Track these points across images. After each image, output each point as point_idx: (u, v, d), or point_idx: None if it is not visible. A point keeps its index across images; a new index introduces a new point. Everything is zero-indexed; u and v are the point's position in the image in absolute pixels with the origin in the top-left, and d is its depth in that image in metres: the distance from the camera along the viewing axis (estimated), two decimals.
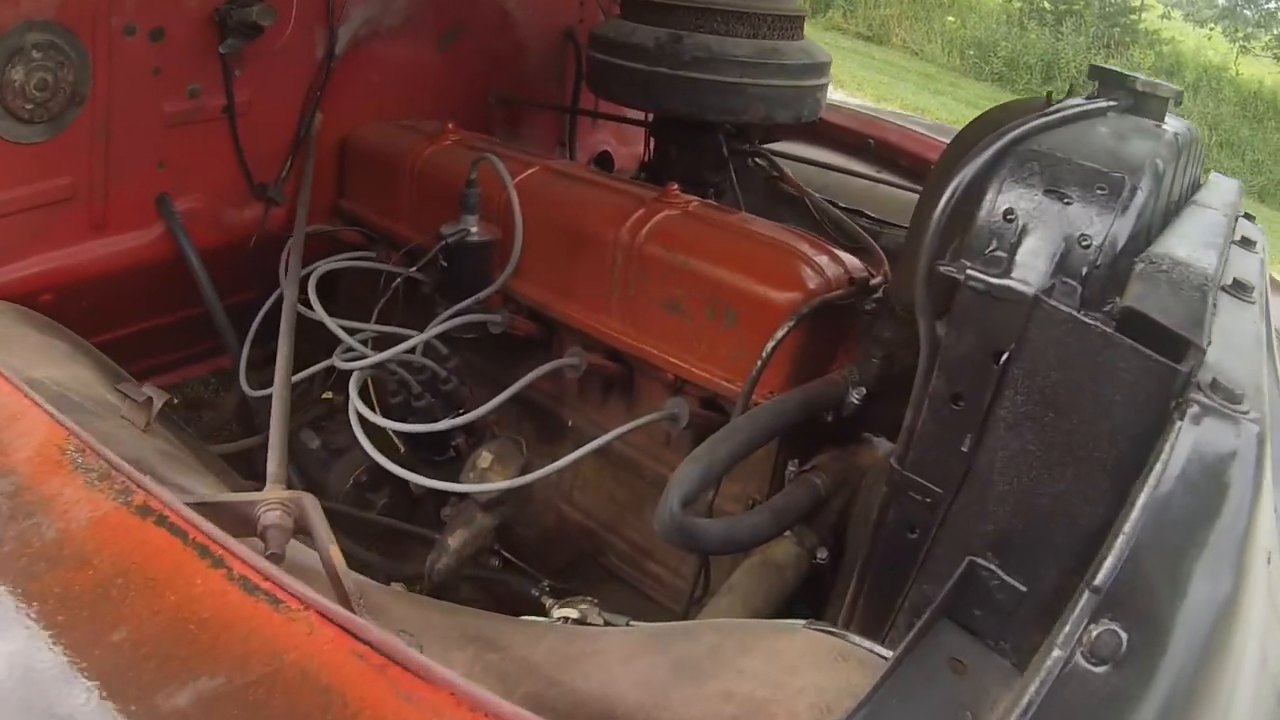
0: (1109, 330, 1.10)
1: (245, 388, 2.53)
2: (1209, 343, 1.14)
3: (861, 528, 2.05)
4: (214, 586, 0.98)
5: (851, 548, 2.08)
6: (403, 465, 2.19)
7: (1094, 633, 0.94)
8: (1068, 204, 1.28)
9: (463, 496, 2.33)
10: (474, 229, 2.34)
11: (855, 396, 2.00)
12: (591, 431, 2.42)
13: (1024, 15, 22.73)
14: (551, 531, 2.45)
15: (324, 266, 2.49)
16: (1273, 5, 24.31)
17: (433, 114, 3.03)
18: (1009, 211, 1.28)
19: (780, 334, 1.91)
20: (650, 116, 3.15)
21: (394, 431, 2.30)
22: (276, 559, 1.27)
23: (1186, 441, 1.04)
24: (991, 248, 1.27)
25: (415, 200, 2.71)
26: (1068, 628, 0.96)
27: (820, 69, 2.67)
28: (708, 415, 2.12)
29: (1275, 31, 23.42)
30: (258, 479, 2.77)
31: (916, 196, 3.00)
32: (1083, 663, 0.94)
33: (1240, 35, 23.43)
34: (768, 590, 2.02)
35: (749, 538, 1.81)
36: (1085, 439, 1.13)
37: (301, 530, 1.34)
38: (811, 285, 2.01)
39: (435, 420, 2.34)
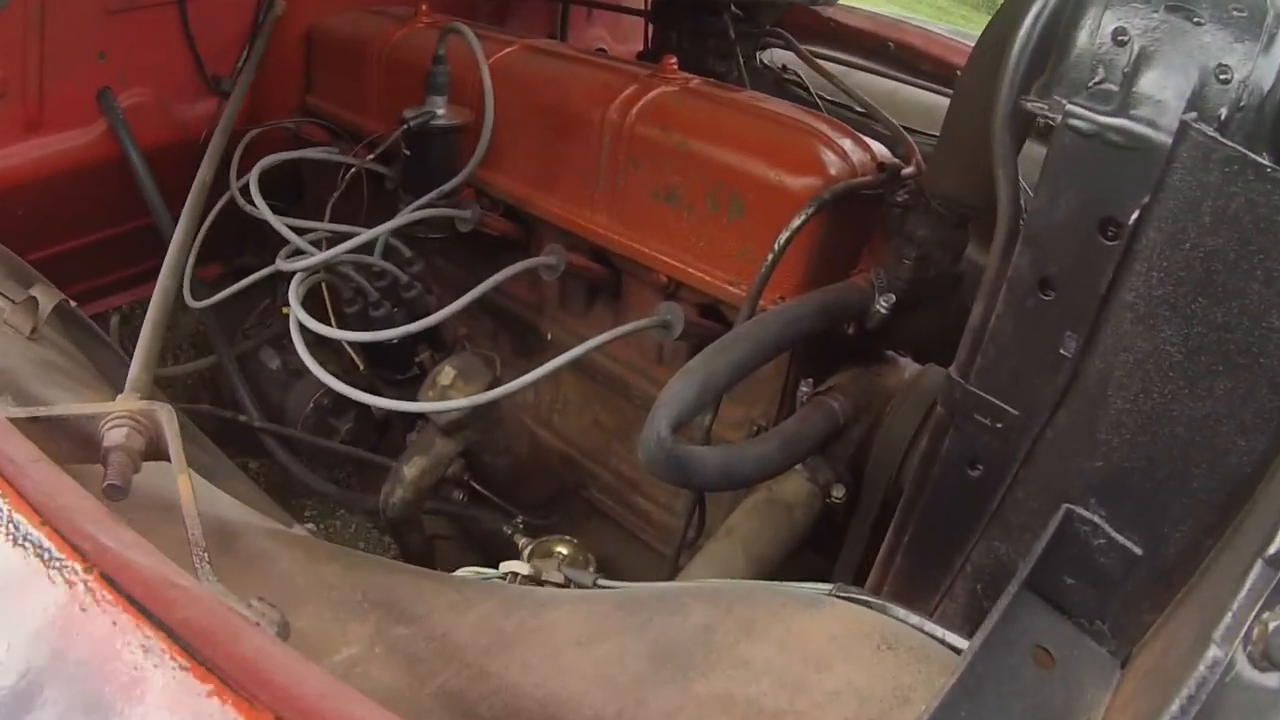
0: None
1: (189, 299, 2.18)
2: None
3: (885, 461, 1.71)
4: None
5: (871, 485, 1.74)
6: (362, 384, 1.85)
7: (1271, 626, 0.63)
8: (1198, 24, 0.90)
9: (422, 418, 1.98)
10: (440, 111, 1.98)
11: (883, 304, 1.64)
12: (572, 344, 2.07)
13: None
14: (526, 461, 2.11)
15: (269, 160, 2.13)
16: None
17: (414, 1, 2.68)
18: (1120, 32, 0.91)
19: (796, 223, 1.55)
20: (649, 3, 2.76)
21: (348, 344, 1.96)
22: (117, 492, 0.95)
23: None
24: (1098, 79, 0.90)
25: (383, 90, 2.36)
26: (1229, 617, 0.65)
27: None
28: (706, 324, 1.77)
29: None
30: (221, 405, 2.47)
31: (943, 101, 2.69)
32: (1248, 669, 0.65)
33: None
34: (774, 533, 1.69)
35: (754, 471, 1.47)
36: (1248, 337, 0.78)
37: (154, 452, 1.02)
38: (833, 170, 1.65)
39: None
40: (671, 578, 1.74)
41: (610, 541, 2.10)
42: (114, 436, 1.01)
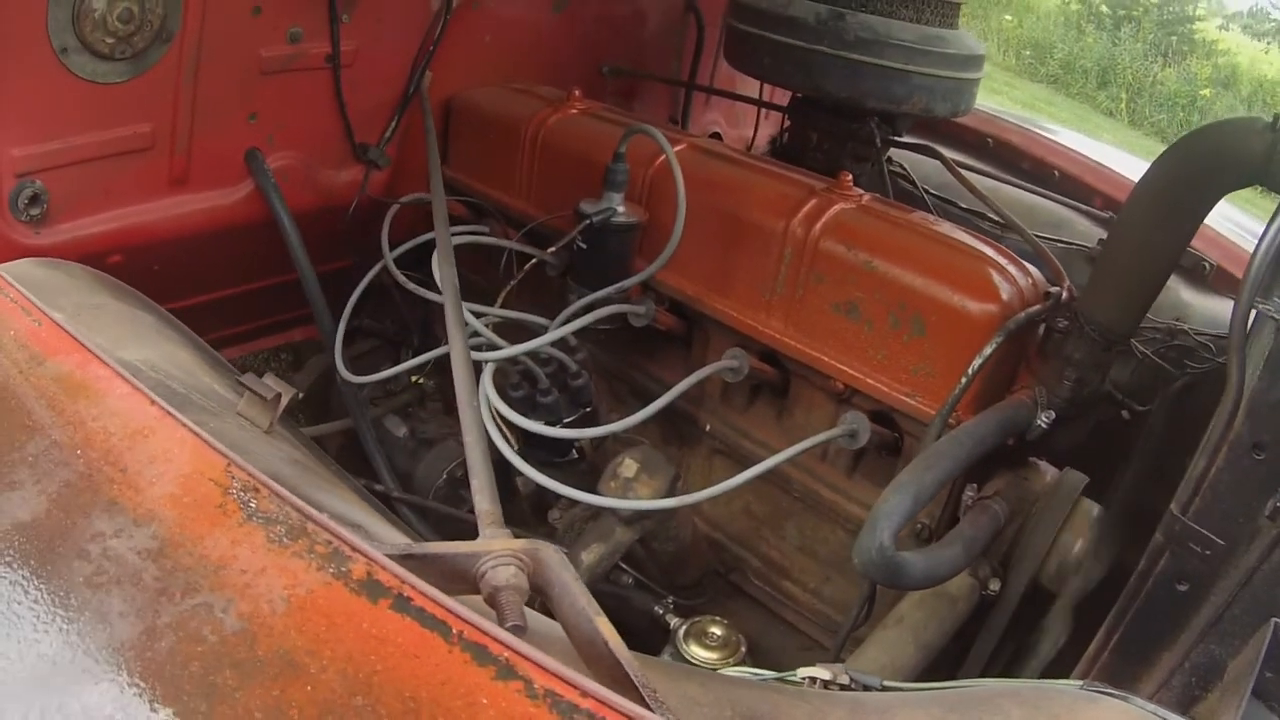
0: None
1: (343, 370, 2.44)
2: None
3: (1030, 558, 2.01)
4: (511, 709, 0.78)
5: (1015, 579, 2.03)
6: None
7: None
8: None
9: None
10: (620, 209, 2.25)
11: (1044, 419, 1.95)
12: (730, 438, 2.36)
13: (1081, 18, 23.05)
14: (685, 547, 2.37)
15: (455, 240, 2.37)
16: None
17: (542, 80, 2.95)
18: None
19: (988, 351, 1.85)
20: (781, 97, 3.05)
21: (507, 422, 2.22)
22: (518, 631, 0.98)
23: None
24: None
25: (535, 172, 2.63)
26: None
27: (978, 61, 2.60)
28: (880, 430, 2.05)
29: None
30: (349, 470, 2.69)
31: (1037, 200, 3.00)
32: None
33: None
34: (940, 623, 1.97)
35: (949, 572, 1.76)
36: None
37: (537, 589, 1.11)
38: (1005, 297, 1.94)
39: (559, 417, 2.27)
40: (835, 660, 2.02)
41: (755, 622, 2.35)
42: (501, 575, 1.05)
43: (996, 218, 2.67)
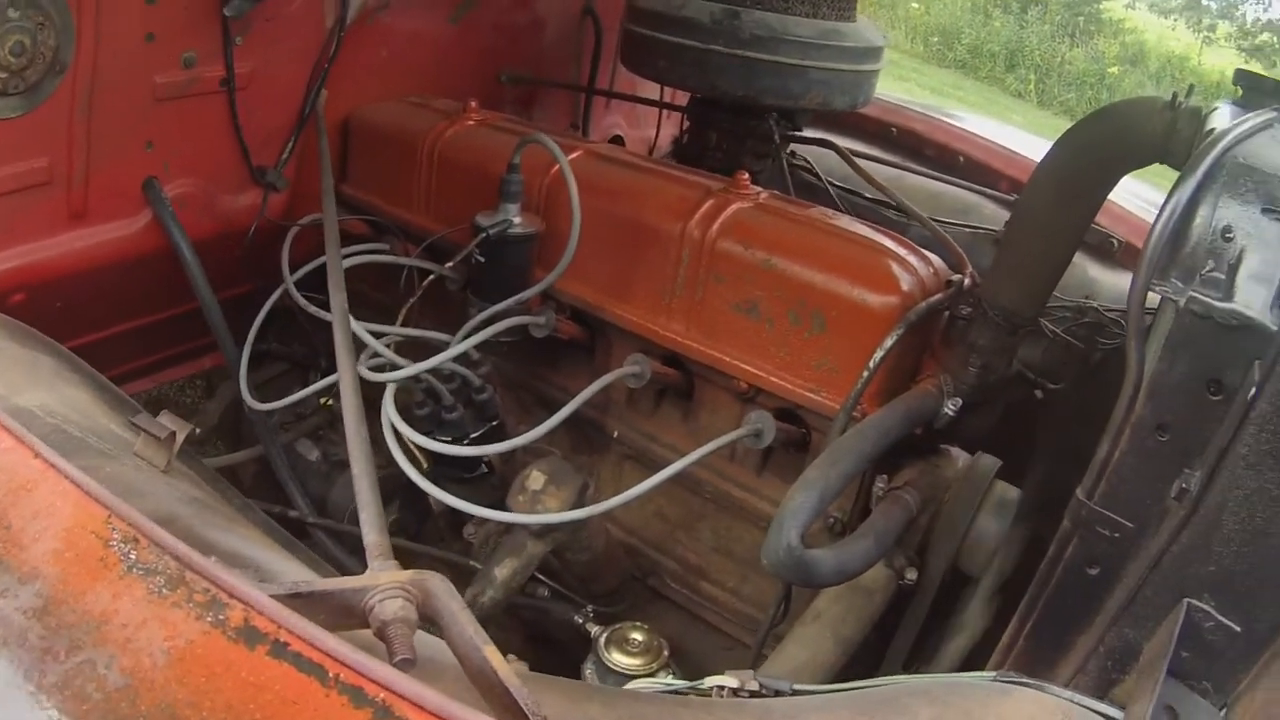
0: None
1: (248, 399, 2.43)
2: None
3: (945, 545, 2.04)
4: None
5: (932, 567, 2.06)
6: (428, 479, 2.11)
7: None
8: None
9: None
10: (516, 220, 2.26)
11: (950, 408, 1.98)
12: (639, 443, 2.37)
13: (988, 3, 23.53)
14: (599, 556, 2.37)
15: (350, 261, 2.38)
16: None
17: (440, 92, 2.96)
18: (1227, 230, 1.25)
19: (889, 343, 1.87)
20: (682, 98, 3.08)
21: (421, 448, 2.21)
22: (407, 665, 0.98)
23: None
24: (1208, 268, 1.23)
25: (433, 186, 2.63)
26: None
27: (877, 53, 2.63)
28: (786, 428, 2.07)
29: (1237, 22, 24.27)
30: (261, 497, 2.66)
31: (942, 186, 3.04)
32: None
33: (1203, 26, 24.25)
34: (858, 616, 1.99)
35: (861, 566, 1.77)
36: None
37: (426, 619, 1.11)
38: (906, 288, 1.98)
39: (465, 432, 2.27)
40: (756, 659, 2.04)
41: (677, 625, 2.37)
42: (389, 609, 1.05)
43: (899, 207, 2.70)
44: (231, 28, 2.45)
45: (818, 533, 2.10)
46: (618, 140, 3.54)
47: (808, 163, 3.08)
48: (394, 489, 2.37)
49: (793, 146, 3.03)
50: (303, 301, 2.44)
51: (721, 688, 1.31)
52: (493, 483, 2.38)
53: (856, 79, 2.57)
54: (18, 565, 0.93)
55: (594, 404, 2.38)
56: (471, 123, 2.65)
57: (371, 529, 1.52)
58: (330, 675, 0.81)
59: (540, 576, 2.35)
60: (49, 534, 0.96)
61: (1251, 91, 1.70)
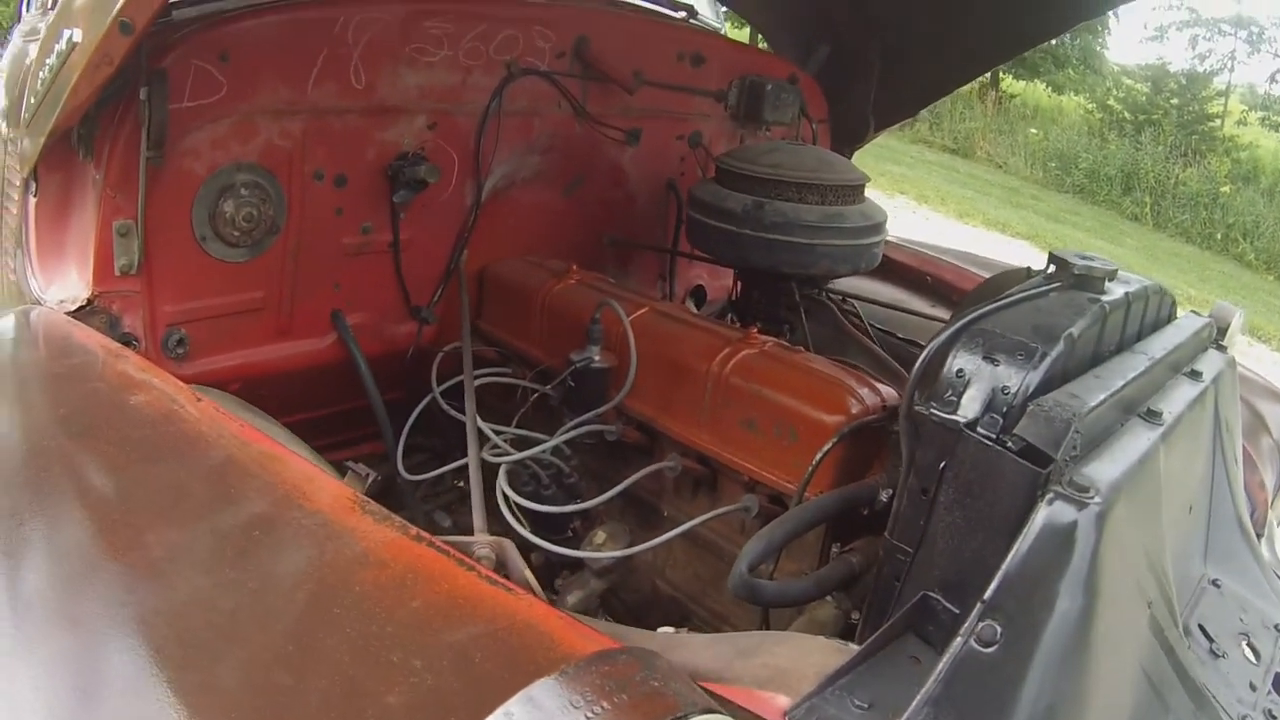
0: (999, 447, 1.97)
1: (402, 471, 3.38)
2: (1072, 454, 1.97)
3: None
4: (469, 580, 1.60)
5: None
6: (529, 543, 3.02)
7: (980, 627, 1.75)
8: (996, 365, 2.13)
9: (579, 565, 3.17)
10: (596, 357, 3.22)
11: (884, 496, 2.78)
12: (683, 521, 3.29)
13: (1104, 126, 23.64)
14: (647, 599, 3.26)
15: (480, 380, 3.39)
16: None
17: (557, 250, 3.92)
18: (960, 370, 2.14)
19: (826, 447, 2.73)
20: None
21: (523, 512, 3.15)
22: (487, 562, 2.09)
23: (1041, 517, 1.81)
24: (948, 394, 2.13)
25: (544, 328, 3.58)
26: (966, 624, 1.77)
27: (876, 228, 3.58)
28: (772, 508, 2.96)
29: None
30: None
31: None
32: (975, 645, 1.73)
33: None
34: None
35: (797, 596, 2.56)
36: (989, 515, 1.96)
37: (499, 564, 2.17)
38: (853, 410, 2.82)
39: (558, 507, 3.23)
40: None
41: None
42: (481, 551, 2.07)
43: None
44: (398, 208, 3.37)
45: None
46: (699, 290, 4.52)
47: (855, 309, 4.05)
48: None
49: (844, 294, 4.02)
50: (445, 406, 3.41)
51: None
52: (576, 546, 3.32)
53: (857, 250, 3.53)
54: (313, 510, 1.84)
55: (652, 491, 3.30)
56: (573, 282, 3.61)
57: (479, 516, 2.64)
58: (450, 553, 1.66)
59: (608, 616, 3.30)
60: (325, 497, 1.87)
61: (1057, 267, 2.50)
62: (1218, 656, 2.55)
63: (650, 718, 1.22)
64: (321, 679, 1.49)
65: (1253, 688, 2.53)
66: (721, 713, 1.31)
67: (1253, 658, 2.67)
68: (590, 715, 1.20)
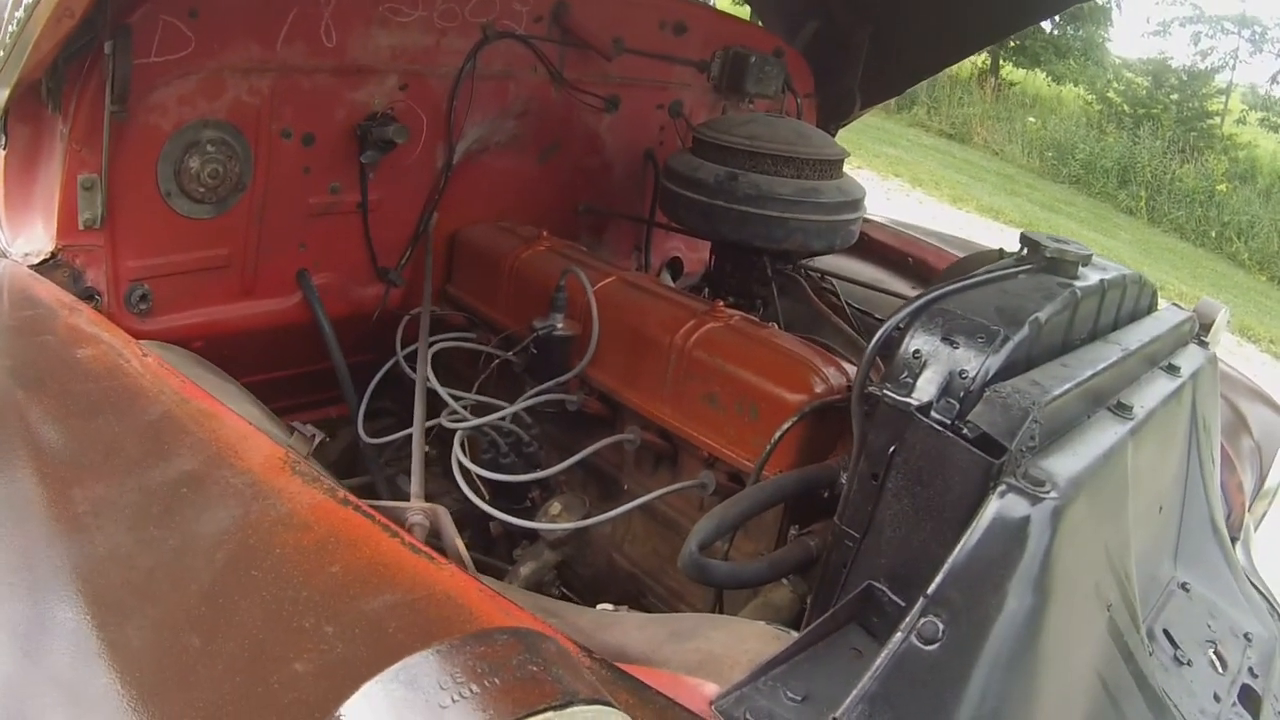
0: (952, 434, 1.92)
1: (362, 434, 3.34)
2: (1029, 445, 1.93)
3: None
4: (392, 547, 1.61)
5: None
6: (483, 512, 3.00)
7: (922, 623, 1.71)
8: (955, 348, 2.07)
9: (534, 536, 3.16)
10: (560, 325, 3.18)
11: (844, 478, 2.80)
12: (642, 495, 3.25)
13: (1103, 118, 23.70)
14: (603, 574, 3.23)
15: (440, 344, 3.35)
16: None
17: (531, 217, 3.89)
18: (917, 351, 2.09)
19: (785, 426, 2.69)
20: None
21: (482, 480, 3.12)
22: (421, 531, 2.10)
23: (992, 510, 1.77)
24: (904, 375, 2.09)
25: (511, 294, 3.54)
26: (908, 619, 1.73)
27: (853, 205, 3.53)
28: (730, 485, 2.92)
29: None
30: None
31: None
32: (915, 641, 1.69)
33: None
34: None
35: (750, 578, 2.53)
36: (938, 504, 1.92)
37: (434, 533, 2.15)
38: (817, 389, 2.77)
39: (516, 475, 3.19)
40: None
41: None
42: (414, 518, 2.10)
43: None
44: (366, 167, 3.34)
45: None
46: (676, 261, 4.48)
47: (833, 287, 4.00)
48: (468, 520, 3.22)
49: (822, 272, 3.98)
50: (408, 369, 3.37)
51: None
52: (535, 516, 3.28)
53: (832, 226, 3.49)
54: (243, 469, 1.84)
55: (612, 463, 3.26)
56: (542, 248, 3.57)
57: (416, 482, 2.56)
58: (376, 519, 1.69)
59: (564, 590, 3.27)
60: (256, 456, 1.87)
61: (1029, 249, 2.46)
62: (1182, 664, 2.50)
63: (521, 705, 1.16)
64: (230, 642, 1.47)
65: (1217, 699, 2.48)
66: (610, 703, 1.25)
67: (1219, 667, 2.62)
68: (456, 698, 1.15)
